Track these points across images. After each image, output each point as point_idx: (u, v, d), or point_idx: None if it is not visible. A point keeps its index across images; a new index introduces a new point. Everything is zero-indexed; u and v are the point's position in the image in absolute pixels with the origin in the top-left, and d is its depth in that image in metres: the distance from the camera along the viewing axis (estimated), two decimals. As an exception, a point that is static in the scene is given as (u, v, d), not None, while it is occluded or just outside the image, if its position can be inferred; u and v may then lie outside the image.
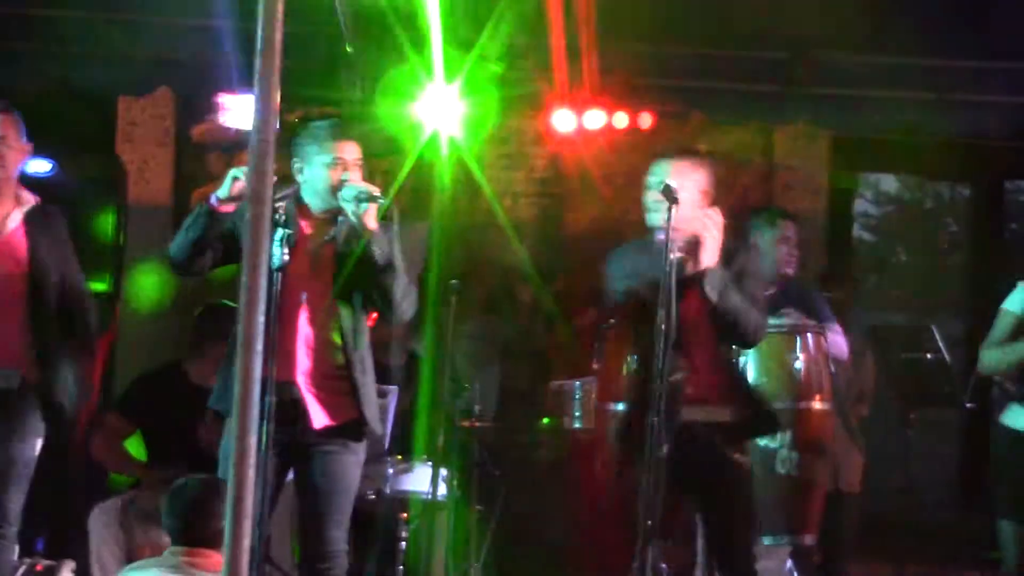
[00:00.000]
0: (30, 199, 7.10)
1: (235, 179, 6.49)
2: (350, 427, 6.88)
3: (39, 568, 7.85)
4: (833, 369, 8.31)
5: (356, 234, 6.74)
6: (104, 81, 9.53)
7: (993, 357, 7.33)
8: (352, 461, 6.99)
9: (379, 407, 8.44)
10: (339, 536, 6.92)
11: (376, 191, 6.70)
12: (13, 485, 6.98)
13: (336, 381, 6.83)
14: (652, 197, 6.82)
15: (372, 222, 6.67)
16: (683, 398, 6.84)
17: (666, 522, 6.83)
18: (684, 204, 6.52)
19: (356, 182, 6.75)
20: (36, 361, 6.98)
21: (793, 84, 9.52)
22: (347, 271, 6.77)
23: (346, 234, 6.81)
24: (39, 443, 7.09)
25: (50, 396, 7.06)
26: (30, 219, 7.02)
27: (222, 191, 6.53)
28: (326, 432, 6.82)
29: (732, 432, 6.93)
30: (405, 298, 6.91)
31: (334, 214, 6.82)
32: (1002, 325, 7.33)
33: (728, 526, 7.17)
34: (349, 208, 6.65)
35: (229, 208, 6.57)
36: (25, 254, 6.93)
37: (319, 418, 6.79)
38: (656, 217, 6.81)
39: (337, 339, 6.84)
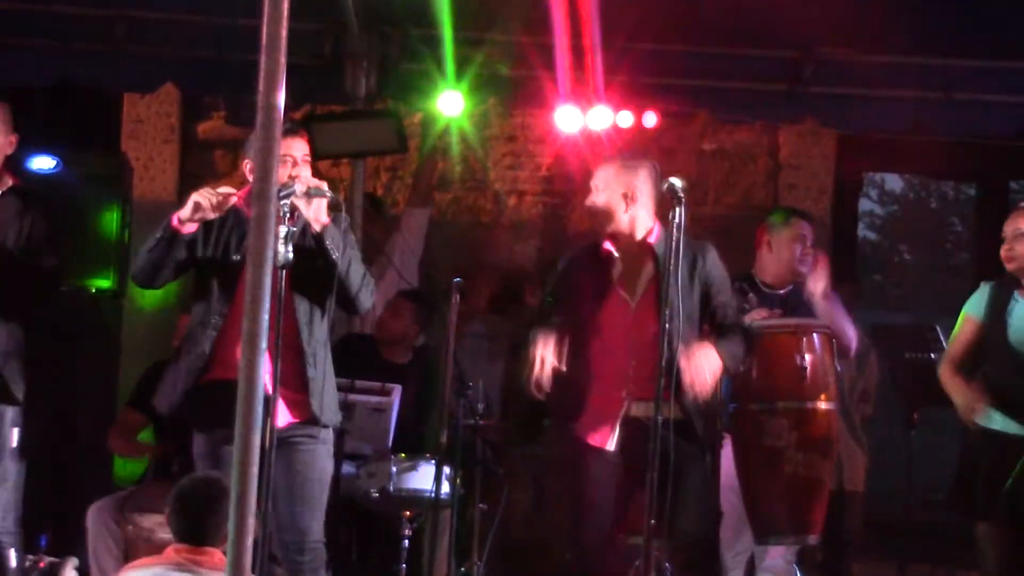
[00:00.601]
0: (8, 183, 7.09)
1: (196, 203, 6.52)
2: (312, 421, 6.90)
3: (42, 565, 7.85)
4: (839, 368, 8.31)
5: (307, 229, 6.77)
6: (109, 78, 9.53)
7: (943, 379, 7.33)
8: (321, 451, 7.03)
9: (378, 407, 8.49)
10: (315, 527, 6.95)
11: (324, 186, 6.75)
12: None
13: (294, 377, 6.84)
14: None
15: (323, 216, 6.69)
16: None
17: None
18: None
19: (305, 178, 6.77)
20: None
21: (799, 83, 9.51)
22: (301, 267, 6.78)
23: (298, 230, 6.81)
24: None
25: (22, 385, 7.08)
26: (7, 200, 7.01)
27: (184, 212, 6.55)
28: (290, 427, 6.83)
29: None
30: (362, 289, 6.90)
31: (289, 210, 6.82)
32: (960, 334, 7.31)
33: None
34: (300, 204, 6.67)
35: (191, 229, 6.60)
36: None
37: (282, 416, 6.80)
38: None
39: (293, 334, 6.85)
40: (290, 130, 6.95)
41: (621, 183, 7.20)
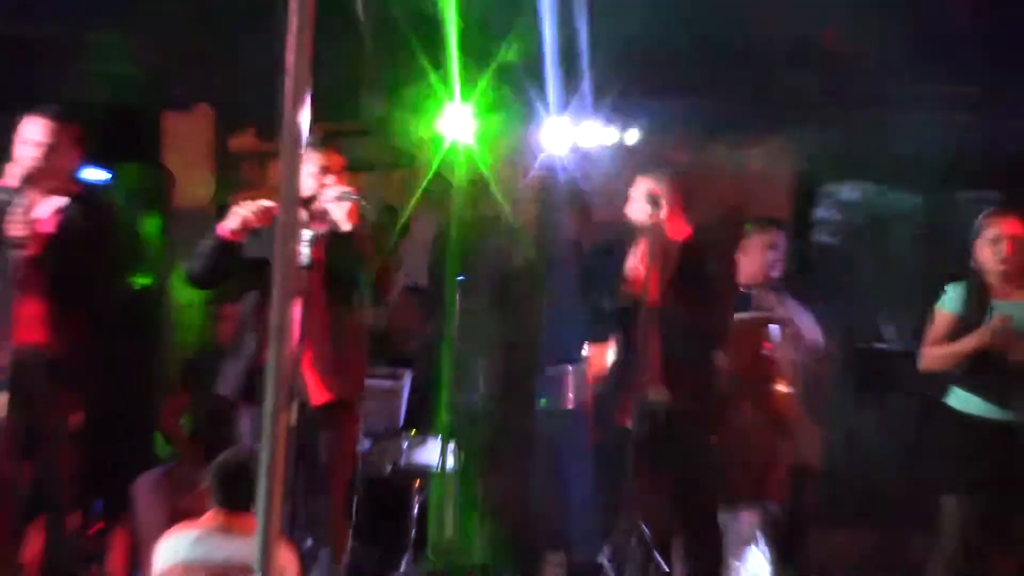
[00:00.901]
0: (74, 191, 7.07)
1: (243, 217, 6.56)
2: (344, 401, 6.89)
3: (95, 527, 7.84)
4: (798, 356, 8.30)
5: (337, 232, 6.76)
6: (151, 99, 9.52)
7: (938, 354, 7.25)
8: (348, 427, 7.13)
9: (391, 390, 8.50)
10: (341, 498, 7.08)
11: (352, 191, 6.83)
12: None
13: (326, 362, 6.84)
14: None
15: (351, 217, 6.69)
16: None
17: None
18: None
19: (336, 185, 6.85)
20: (59, 339, 6.93)
21: (764, 104, 9.49)
22: (332, 265, 6.79)
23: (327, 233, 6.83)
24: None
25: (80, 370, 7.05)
26: (65, 211, 6.97)
27: (232, 224, 6.60)
28: (324, 406, 6.83)
29: None
30: (379, 277, 6.93)
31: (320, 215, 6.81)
32: (937, 328, 7.26)
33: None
34: (332, 207, 6.69)
35: (238, 237, 6.67)
36: (48, 239, 6.86)
37: (317, 395, 6.80)
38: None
39: (324, 325, 6.84)
40: (322, 144, 7.02)
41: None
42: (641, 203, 7.46)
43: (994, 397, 7.00)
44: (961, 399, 7.13)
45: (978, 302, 7.19)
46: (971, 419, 7.08)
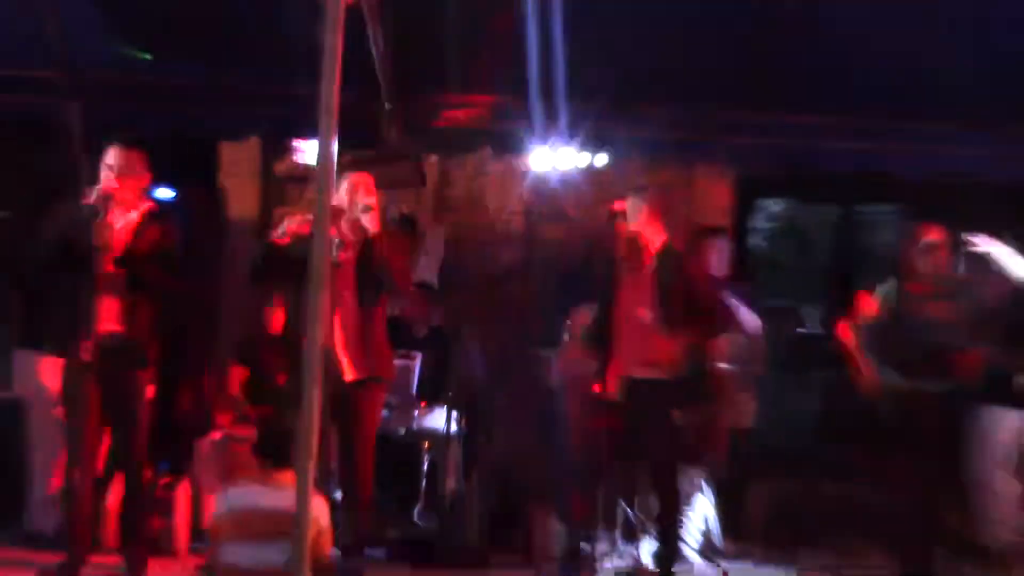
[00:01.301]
0: (147, 207, 7.14)
1: (287, 224, 6.64)
2: (371, 378, 6.95)
3: (164, 481, 7.90)
4: (736, 339, 8.36)
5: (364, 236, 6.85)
6: (211, 131, 9.56)
7: (854, 349, 7.31)
8: (375, 399, 7.17)
9: (405, 368, 8.55)
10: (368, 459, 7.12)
11: (375, 204, 7.06)
12: None
13: (356, 345, 6.91)
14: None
15: (375, 223, 6.88)
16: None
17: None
18: None
19: (363, 199, 7.03)
20: (135, 328, 7.00)
21: (708, 136, 9.52)
22: (359, 266, 6.88)
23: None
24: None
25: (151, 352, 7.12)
26: (138, 224, 7.04)
27: (279, 231, 6.69)
28: (355, 382, 6.88)
29: None
30: (397, 277, 7.00)
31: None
32: (868, 309, 7.29)
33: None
34: (363, 217, 6.80)
35: (284, 241, 6.76)
36: (124, 247, 6.95)
37: (349, 373, 6.86)
38: None
39: (354, 314, 6.92)
40: (352, 167, 7.12)
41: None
42: (629, 215, 7.51)
43: (902, 370, 7.05)
44: (881, 373, 7.16)
45: (902, 297, 7.22)
46: (887, 388, 7.12)
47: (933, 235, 7.26)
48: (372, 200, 7.07)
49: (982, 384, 8.37)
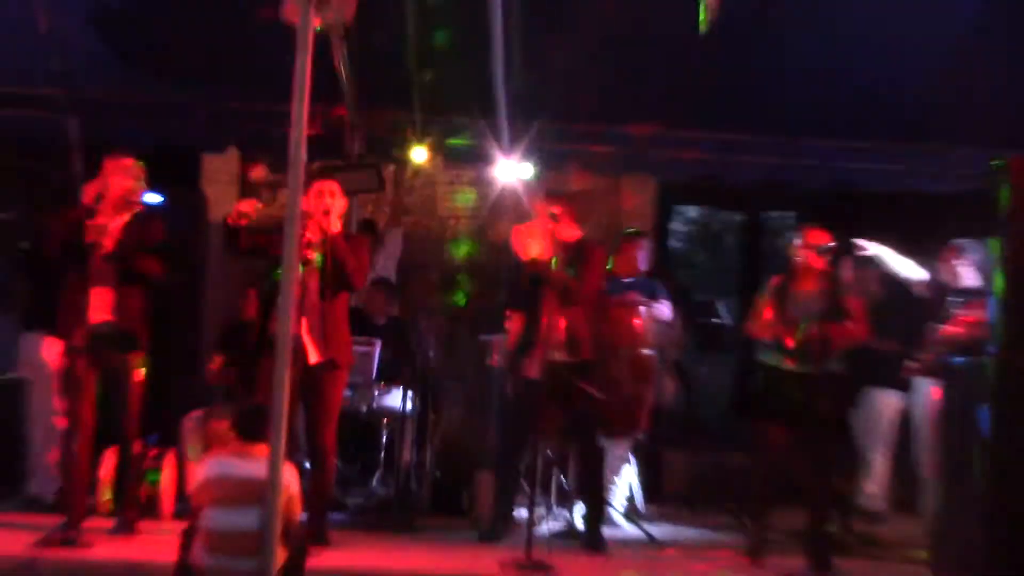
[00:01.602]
0: (136, 210, 7.06)
1: (236, 208, 6.74)
2: (332, 360, 6.89)
3: (152, 453, 7.81)
4: (657, 328, 8.36)
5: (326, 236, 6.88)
6: (193, 142, 9.50)
7: (755, 328, 7.30)
8: (336, 380, 7.04)
9: (366, 353, 8.48)
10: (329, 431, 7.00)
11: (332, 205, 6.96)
12: None
13: (318, 333, 6.86)
14: None
15: (336, 225, 6.92)
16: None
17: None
18: None
19: (329, 204, 6.95)
20: (125, 316, 6.93)
21: (633, 149, 9.53)
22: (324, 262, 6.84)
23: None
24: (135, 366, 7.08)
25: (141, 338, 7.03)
26: (129, 224, 6.96)
27: (234, 215, 6.75)
28: (319, 365, 6.83)
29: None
30: (355, 273, 6.92)
31: None
32: (762, 308, 7.29)
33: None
34: (322, 218, 6.79)
35: (241, 222, 6.74)
36: (116, 244, 6.88)
37: (313, 356, 6.81)
38: None
39: (318, 305, 6.88)
40: (319, 174, 7.08)
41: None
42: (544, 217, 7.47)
43: (793, 355, 7.05)
44: (771, 357, 7.17)
45: (785, 291, 7.23)
46: (774, 369, 7.13)
47: (817, 238, 7.26)
48: (333, 204, 6.98)
49: (869, 368, 8.46)
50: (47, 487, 7.85)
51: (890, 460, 8.84)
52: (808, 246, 7.24)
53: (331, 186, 7.04)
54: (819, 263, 7.19)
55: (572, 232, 7.40)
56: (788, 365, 7.09)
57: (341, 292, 6.96)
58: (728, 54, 8.53)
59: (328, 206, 6.90)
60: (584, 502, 7.69)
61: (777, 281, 7.31)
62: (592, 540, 7.40)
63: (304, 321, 6.81)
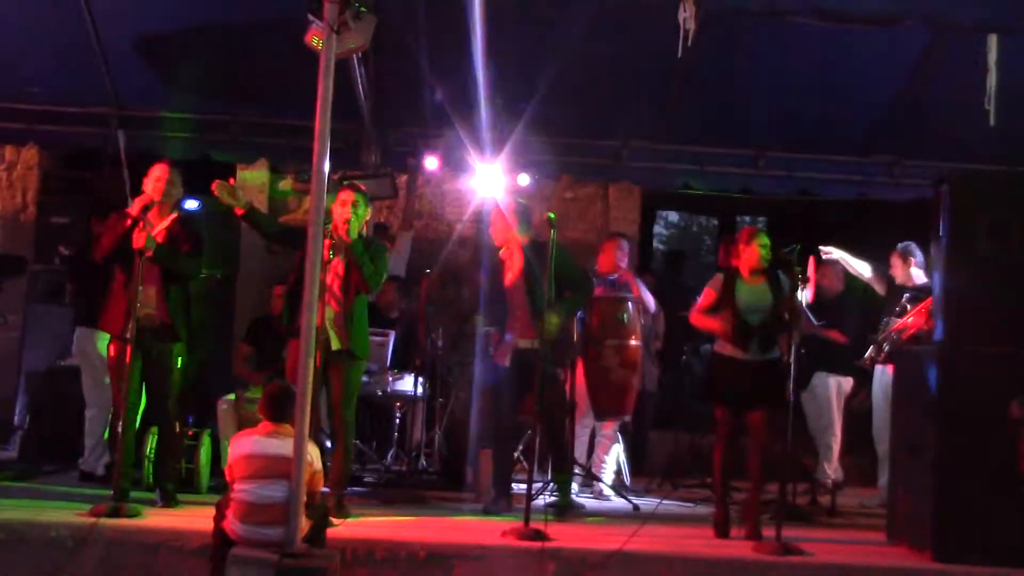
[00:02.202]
0: (175, 215, 7.08)
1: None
2: (350, 350, 6.86)
3: (190, 433, 7.79)
4: (643, 320, 8.34)
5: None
6: (227, 155, 9.48)
7: (695, 319, 7.19)
8: (357, 367, 7.02)
9: (381, 343, 8.46)
10: (348, 414, 6.93)
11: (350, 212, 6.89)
12: None
13: (343, 325, 6.83)
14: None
15: (353, 230, 6.86)
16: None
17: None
18: None
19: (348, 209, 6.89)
20: (167, 311, 6.94)
21: (620, 160, 9.51)
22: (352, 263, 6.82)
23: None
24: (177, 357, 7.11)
25: (181, 330, 7.02)
26: (170, 228, 6.96)
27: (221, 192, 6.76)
28: (339, 352, 6.81)
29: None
30: (370, 278, 6.88)
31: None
32: (704, 299, 7.16)
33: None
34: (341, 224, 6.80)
35: (240, 212, 6.84)
36: (160, 241, 6.87)
37: (335, 344, 6.79)
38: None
39: (343, 300, 6.86)
40: (349, 184, 7.05)
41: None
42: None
43: (739, 345, 6.96)
44: (720, 346, 7.07)
45: (728, 284, 7.12)
46: (724, 358, 7.04)
47: (759, 239, 7.16)
48: (355, 213, 6.93)
49: (820, 356, 8.46)
50: (97, 463, 7.86)
51: (841, 437, 8.87)
52: (748, 246, 7.11)
53: (350, 195, 6.98)
54: (761, 262, 7.07)
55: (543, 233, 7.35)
56: (733, 352, 6.97)
57: (360, 291, 6.94)
58: (705, 76, 8.54)
59: (349, 215, 6.87)
60: (554, 471, 7.60)
61: (723, 277, 7.18)
62: (564, 505, 7.32)
63: (328, 313, 6.80)
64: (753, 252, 7.03)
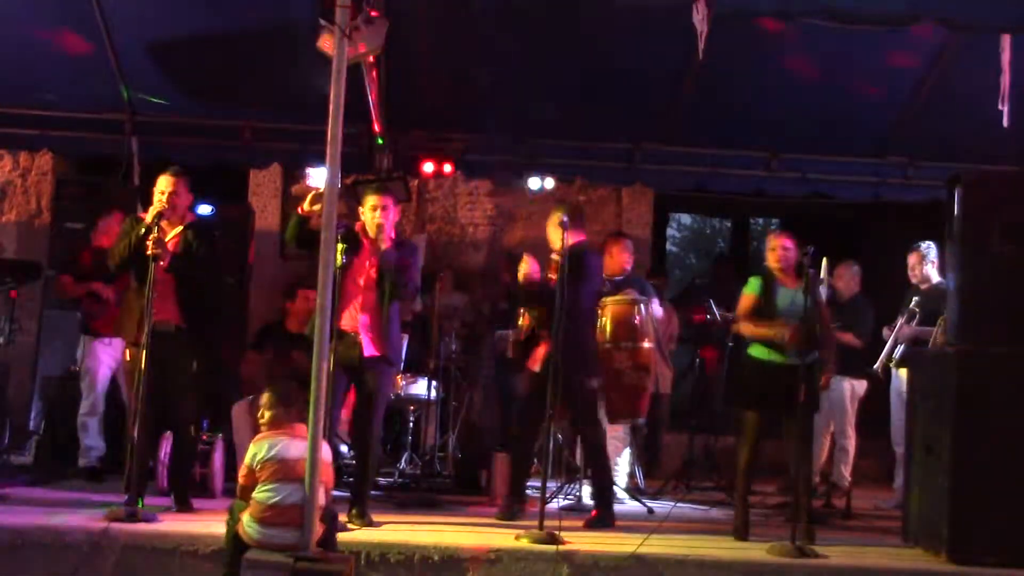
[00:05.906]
0: (189, 219, 7.10)
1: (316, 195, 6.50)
2: (385, 356, 6.85)
3: (204, 437, 7.81)
4: (655, 323, 8.33)
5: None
6: (241, 160, 9.51)
7: (746, 328, 7.21)
8: (389, 373, 7.01)
9: (396, 347, 8.46)
10: (377, 422, 6.90)
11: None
12: None
13: (375, 330, 6.82)
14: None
15: (386, 241, 6.78)
16: None
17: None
18: None
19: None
20: (181, 317, 6.95)
21: (633, 162, 9.52)
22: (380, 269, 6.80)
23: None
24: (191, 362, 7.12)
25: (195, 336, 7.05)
26: (185, 233, 6.98)
27: (306, 204, 6.53)
28: (372, 358, 6.80)
29: None
30: (403, 287, 6.87)
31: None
32: (746, 303, 7.25)
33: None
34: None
35: (310, 213, 6.58)
36: (173, 251, 6.89)
37: (369, 350, 6.77)
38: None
39: (375, 305, 6.84)
40: (378, 188, 7.00)
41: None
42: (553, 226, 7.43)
43: (777, 349, 7.00)
44: (757, 350, 7.12)
45: (767, 288, 7.19)
46: (763, 363, 7.08)
47: (785, 241, 7.21)
48: (386, 218, 6.90)
49: (837, 359, 8.44)
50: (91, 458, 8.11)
51: (856, 439, 8.85)
52: (776, 248, 7.17)
53: (385, 200, 6.94)
54: (787, 262, 7.13)
55: (577, 237, 7.34)
56: (771, 357, 7.02)
57: (394, 299, 6.90)
58: (719, 80, 8.54)
59: (381, 221, 6.84)
60: (592, 484, 7.61)
61: (759, 280, 7.24)
62: (601, 517, 7.31)
63: (362, 319, 6.80)
64: (768, 255, 7.14)
